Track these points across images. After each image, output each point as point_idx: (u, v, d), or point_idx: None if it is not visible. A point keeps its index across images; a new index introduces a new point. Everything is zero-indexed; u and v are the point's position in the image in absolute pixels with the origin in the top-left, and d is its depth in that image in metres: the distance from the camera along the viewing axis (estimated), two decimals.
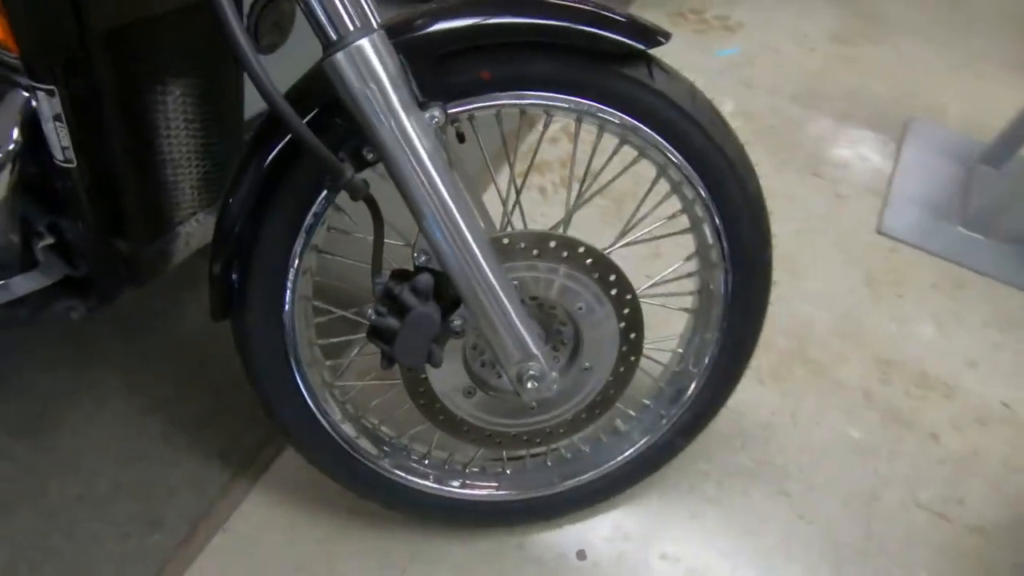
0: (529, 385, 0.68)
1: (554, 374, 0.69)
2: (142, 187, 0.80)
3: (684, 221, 0.80)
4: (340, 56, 0.52)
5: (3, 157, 0.72)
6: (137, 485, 0.98)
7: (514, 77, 0.65)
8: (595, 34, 0.62)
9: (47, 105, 0.65)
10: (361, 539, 0.94)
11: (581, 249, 0.70)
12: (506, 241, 0.68)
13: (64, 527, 0.93)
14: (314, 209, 0.68)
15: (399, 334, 0.64)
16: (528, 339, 0.67)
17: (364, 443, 0.84)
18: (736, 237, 0.76)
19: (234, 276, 0.70)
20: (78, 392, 1.07)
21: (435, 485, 0.88)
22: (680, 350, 0.89)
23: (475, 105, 0.64)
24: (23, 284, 0.82)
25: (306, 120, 0.62)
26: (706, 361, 0.85)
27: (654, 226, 0.81)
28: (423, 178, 0.58)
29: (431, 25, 0.60)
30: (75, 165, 0.70)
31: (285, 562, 0.92)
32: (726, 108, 1.70)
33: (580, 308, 0.73)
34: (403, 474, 0.86)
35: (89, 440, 1.02)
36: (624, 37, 0.63)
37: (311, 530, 0.95)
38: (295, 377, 0.77)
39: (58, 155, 0.69)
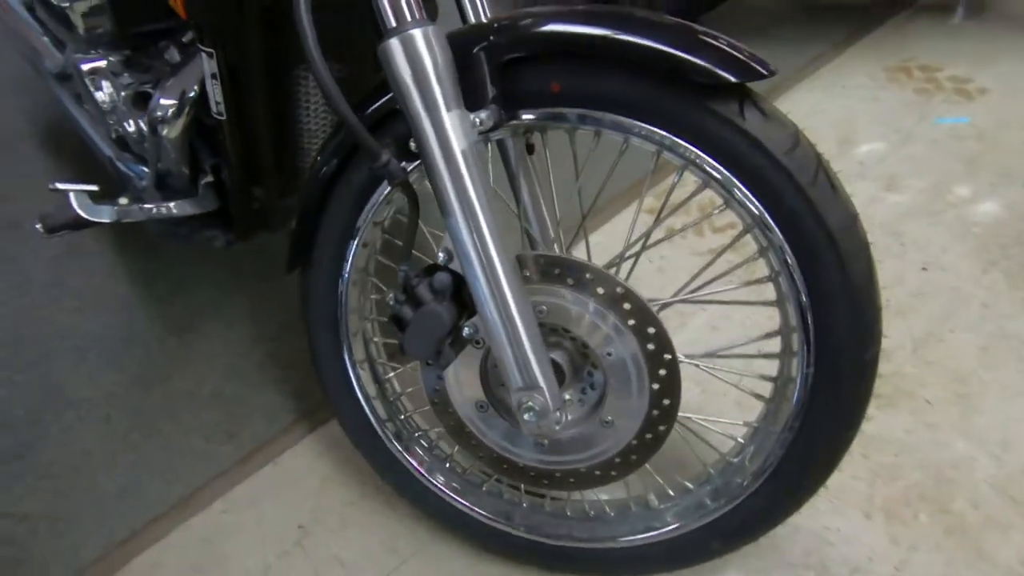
0: (527, 416, 0.64)
1: (557, 413, 0.64)
2: (278, 149, 0.91)
3: (771, 291, 0.68)
4: (392, 42, 0.54)
5: (182, 102, 0.89)
6: (229, 398, 1.13)
7: (586, 94, 0.61)
8: (677, 57, 0.56)
9: (207, 65, 0.78)
10: (377, 516, 0.97)
11: (619, 290, 0.63)
12: (540, 261, 0.64)
13: (170, 414, 1.12)
14: (378, 190, 0.71)
15: (409, 326, 0.64)
16: (535, 368, 0.63)
17: (390, 425, 0.86)
18: (826, 326, 0.63)
19: (306, 237, 0.77)
20: (222, 309, 1.27)
21: (446, 489, 0.87)
22: (741, 439, 0.76)
23: (538, 117, 0.62)
24: (185, 207, 1.00)
25: (377, 105, 0.66)
26: (766, 462, 0.71)
27: (732, 288, 0.70)
28: (452, 177, 0.57)
29: (504, 28, 0.59)
30: (225, 119, 0.83)
31: (305, 511, 0.98)
32: (920, 184, 1.40)
33: (609, 355, 0.67)
34: (418, 466, 0.86)
35: (213, 349, 1.20)
36: (711, 64, 0.56)
37: (339, 489, 1.00)
38: (340, 342, 0.82)
39: (213, 108, 0.83)
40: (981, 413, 1.03)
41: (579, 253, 0.73)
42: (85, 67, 1.01)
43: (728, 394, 0.72)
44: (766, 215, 0.61)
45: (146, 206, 0.93)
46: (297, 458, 1.05)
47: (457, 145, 0.57)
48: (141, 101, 0.97)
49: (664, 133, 0.61)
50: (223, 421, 1.10)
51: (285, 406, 1.11)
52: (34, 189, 1.54)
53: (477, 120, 0.58)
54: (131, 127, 0.98)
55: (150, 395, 1.14)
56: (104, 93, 1.01)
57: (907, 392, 1.05)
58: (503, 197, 0.78)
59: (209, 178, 0.98)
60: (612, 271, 0.67)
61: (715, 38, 0.57)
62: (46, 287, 1.33)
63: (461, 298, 0.65)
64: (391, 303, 0.66)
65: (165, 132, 0.90)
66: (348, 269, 0.77)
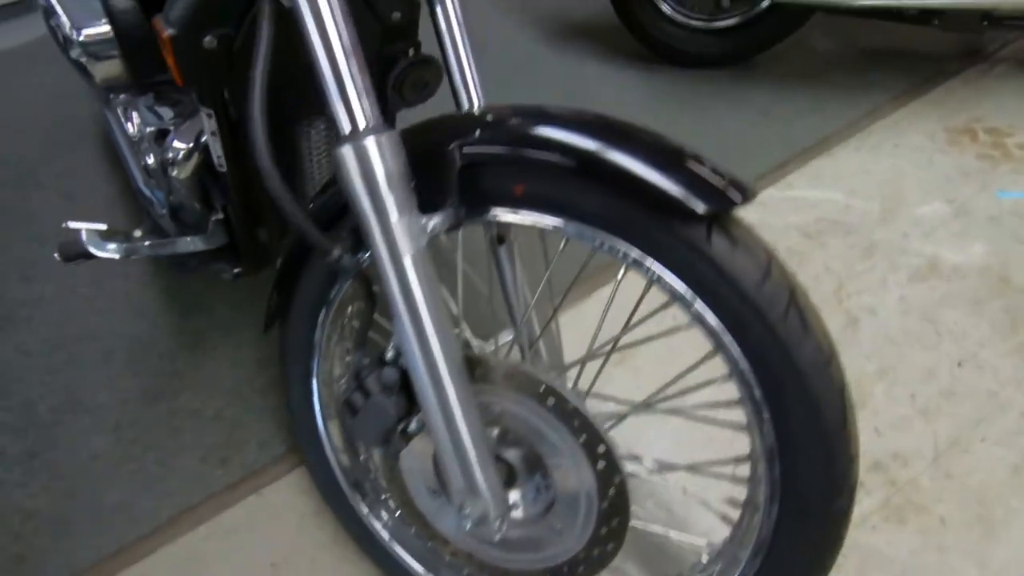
0: (467, 524, 0.62)
1: (498, 523, 0.62)
2: None
3: (740, 414, 0.64)
4: (344, 149, 0.54)
5: (193, 147, 0.92)
6: (229, 421, 1.17)
7: (551, 200, 0.58)
8: (648, 182, 0.52)
9: (207, 123, 0.80)
10: (346, 564, 0.98)
11: (569, 405, 0.61)
12: (490, 366, 0.62)
13: (172, 429, 1.17)
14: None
15: (359, 414, 0.64)
16: (477, 473, 0.61)
17: (356, 484, 0.86)
18: (792, 470, 0.58)
19: (282, 302, 0.78)
20: (232, 330, 1.31)
21: (408, 556, 0.86)
22: (704, 559, 0.72)
23: (499, 217, 0.60)
24: (197, 243, 1.03)
25: (334, 198, 0.66)
26: None
27: (702, 404, 0.66)
28: (399, 281, 0.56)
29: (488, 125, 0.57)
30: (226, 170, 0.85)
31: (280, 548, 1.00)
32: (968, 265, 1.27)
33: (558, 466, 0.64)
34: (382, 530, 0.86)
35: (220, 369, 1.25)
36: (683, 192, 0.52)
37: (315, 530, 1.02)
38: (312, 393, 0.83)
39: (216, 161, 0.85)
40: (1001, 543, 0.93)
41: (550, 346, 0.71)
42: (118, 99, 1.06)
43: (695, 506, 0.67)
44: (734, 345, 0.56)
45: (152, 243, 0.96)
46: (281, 491, 1.08)
47: (405, 250, 0.55)
48: (161, 138, 1.01)
49: (631, 248, 0.58)
50: (220, 444, 1.14)
51: (278, 436, 1.14)
52: (95, 188, 1.63)
53: (430, 225, 0.57)
54: (151, 161, 1.03)
55: (157, 408, 1.19)
56: (133, 125, 1.05)
57: (920, 507, 0.96)
58: (475, 280, 0.76)
59: (219, 216, 1.01)
60: (576, 370, 0.64)
61: (699, 162, 0.53)
62: (86, 286, 1.42)
63: (410, 392, 0.64)
64: (343, 388, 0.66)
65: (175, 172, 0.93)
66: (320, 334, 0.78)
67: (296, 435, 0.88)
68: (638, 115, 1.57)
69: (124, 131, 1.07)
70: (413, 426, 0.64)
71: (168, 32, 0.68)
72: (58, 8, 0.86)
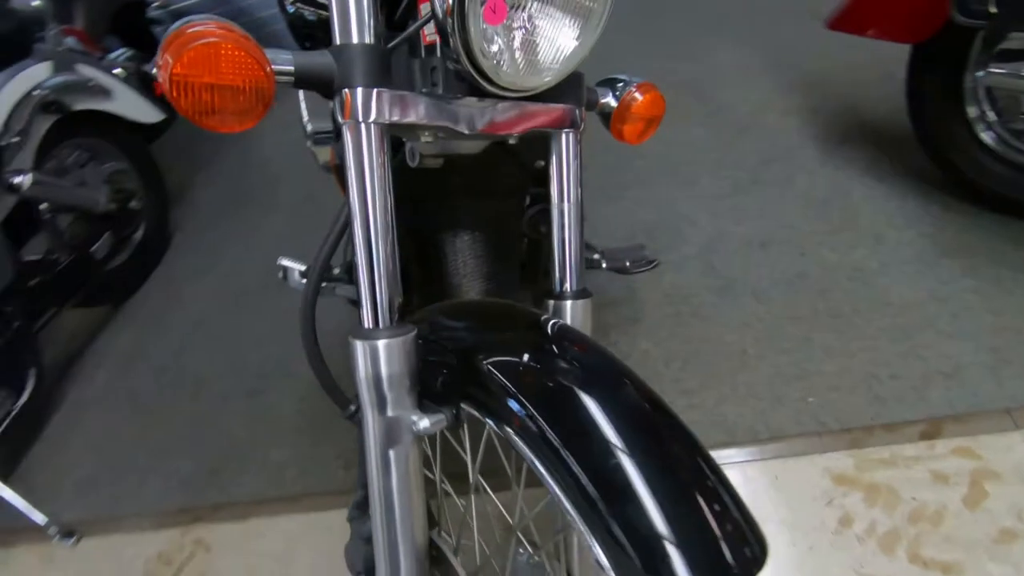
0: None
1: None
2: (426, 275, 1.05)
3: None
4: (357, 343, 0.56)
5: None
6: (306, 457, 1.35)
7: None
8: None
9: None
10: None
11: None
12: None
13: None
14: None
15: (349, 541, 0.70)
16: None
17: None
18: None
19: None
20: None
21: None
22: None
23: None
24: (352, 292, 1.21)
25: None
26: None
27: None
28: (380, 469, 0.59)
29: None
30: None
31: None
32: None
33: None
34: None
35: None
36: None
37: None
38: None
39: None
40: None
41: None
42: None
43: None
44: None
45: (326, 286, 1.16)
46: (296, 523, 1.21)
47: (390, 443, 0.58)
48: None
49: None
50: (290, 460, 1.33)
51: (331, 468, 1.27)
52: None
53: (421, 424, 0.58)
54: None
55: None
56: None
57: None
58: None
59: None
60: None
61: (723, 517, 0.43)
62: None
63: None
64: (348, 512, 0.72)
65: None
66: None
67: None
68: (908, 277, 1.32)
69: None
70: None
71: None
72: (302, 105, 1.08)
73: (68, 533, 1.29)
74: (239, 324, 1.78)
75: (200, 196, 2.51)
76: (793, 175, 1.70)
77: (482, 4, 0.49)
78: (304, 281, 1.17)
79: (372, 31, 0.52)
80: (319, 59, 0.51)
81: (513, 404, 0.53)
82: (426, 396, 0.59)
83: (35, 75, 1.66)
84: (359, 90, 0.52)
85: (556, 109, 0.64)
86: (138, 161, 2.05)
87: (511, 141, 0.65)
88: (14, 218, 1.56)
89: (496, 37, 0.53)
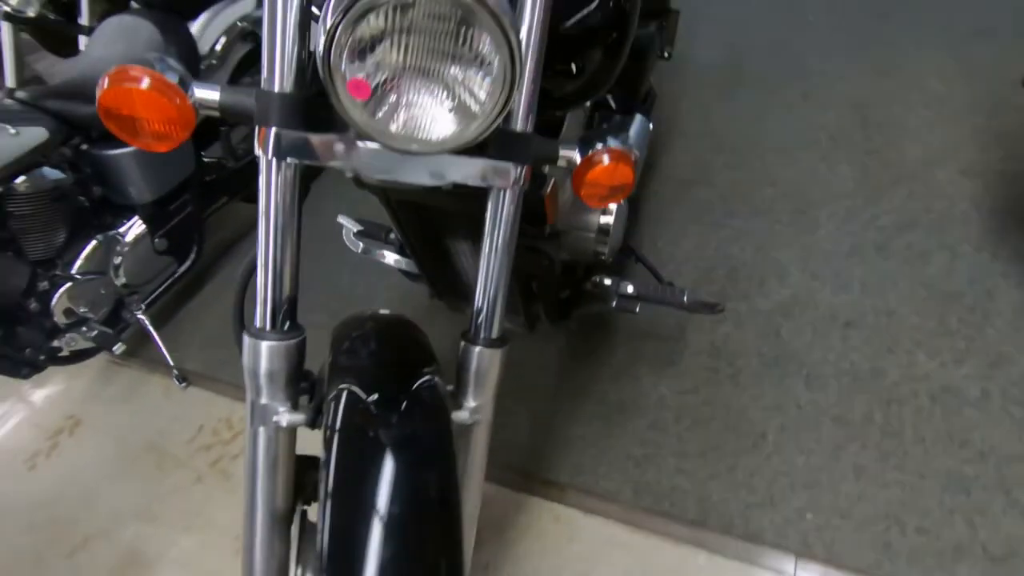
0: None
1: None
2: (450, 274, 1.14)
3: None
4: (247, 339, 0.64)
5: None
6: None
7: None
8: None
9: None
10: None
11: None
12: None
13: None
14: None
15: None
16: None
17: None
18: None
19: None
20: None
21: None
22: None
23: None
24: (401, 263, 1.31)
25: None
26: None
27: None
28: (250, 449, 0.68)
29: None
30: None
31: None
32: None
33: None
34: None
35: None
36: None
37: None
38: None
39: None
40: None
41: None
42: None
43: None
44: None
45: (383, 252, 1.28)
46: None
47: (259, 425, 0.68)
48: None
49: None
50: None
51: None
52: None
53: (285, 419, 0.66)
54: None
55: None
56: None
57: None
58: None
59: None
60: None
61: None
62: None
63: None
64: None
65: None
66: None
67: None
68: (1013, 422, 1.13)
69: None
70: None
71: None
72: None
73: (182, 378, 1.65)
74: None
75: None
76: (931, 252, 1.42)
77: (344, 82, 0.52)
78: (358, 243, 1.31)
79: (292, 79, 0.58)
80: (245, 100, 0.59)
81: (336, 439, 0.61)
82: (305, 393, 0.69)
83: (243, 7, 1.97)
84: (272, 130, 0.59)
85: (486, 166, 0.63)
86: None
87: (444, 188, 0.67)
88: (200, 127, 1.92)
89: (374, 105, 0.54)
